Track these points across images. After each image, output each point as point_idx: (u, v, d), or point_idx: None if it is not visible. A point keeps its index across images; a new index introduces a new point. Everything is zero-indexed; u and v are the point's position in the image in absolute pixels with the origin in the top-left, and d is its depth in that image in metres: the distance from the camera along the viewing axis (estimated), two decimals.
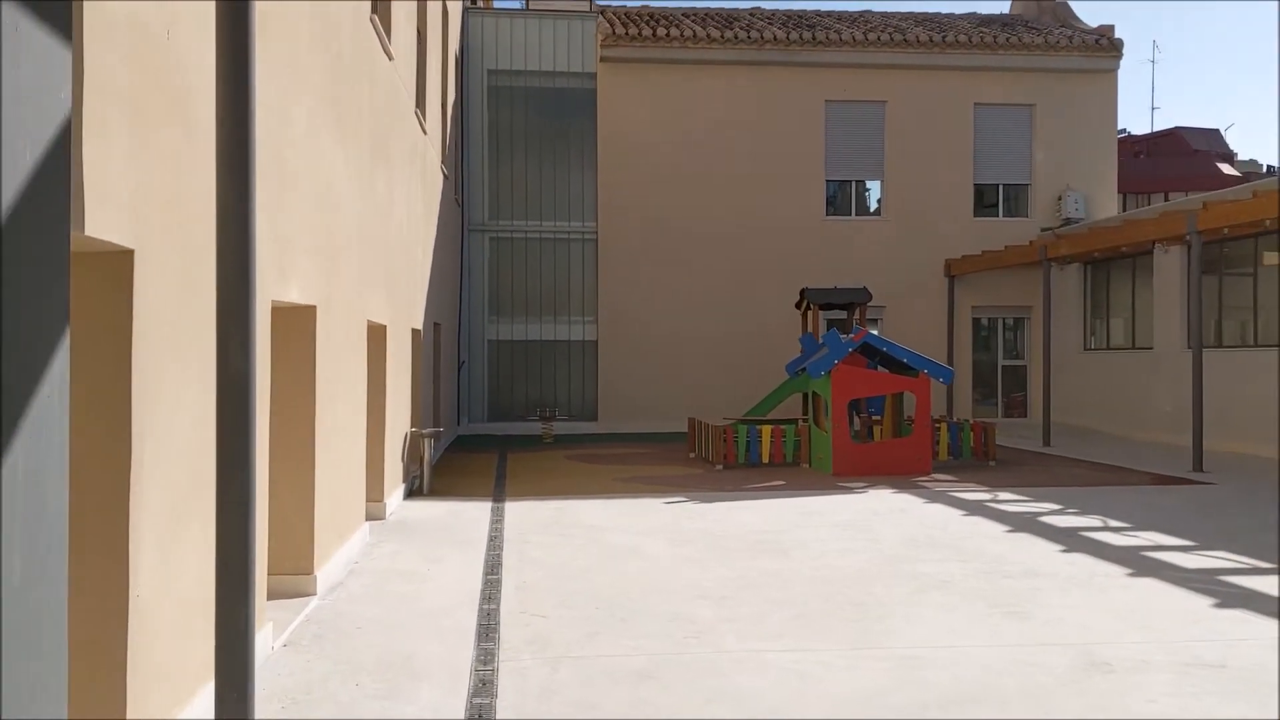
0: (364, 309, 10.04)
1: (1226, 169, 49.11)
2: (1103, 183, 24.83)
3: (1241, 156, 60.59)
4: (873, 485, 14.33)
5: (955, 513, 11.84)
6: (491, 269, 24.43)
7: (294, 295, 7.21)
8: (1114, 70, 24.71)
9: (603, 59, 23.97)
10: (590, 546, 9.96)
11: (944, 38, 24.26)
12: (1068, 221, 24.22)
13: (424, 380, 15.86)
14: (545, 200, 24.57)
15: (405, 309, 13.36)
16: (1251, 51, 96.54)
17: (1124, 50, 24.48)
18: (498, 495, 13.67)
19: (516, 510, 12.28)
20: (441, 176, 18.53)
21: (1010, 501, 12.74)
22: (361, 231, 9.91)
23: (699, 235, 24.01)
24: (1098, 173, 24.83)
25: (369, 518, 11.39)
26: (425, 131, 15.54)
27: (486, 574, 8.81)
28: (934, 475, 15.34)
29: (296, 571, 7.84)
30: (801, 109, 24.30)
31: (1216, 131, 55.63)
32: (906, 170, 24.49)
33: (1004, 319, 25.19)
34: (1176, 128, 51.53)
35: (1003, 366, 25.01)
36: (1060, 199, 24.63)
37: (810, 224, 24.30)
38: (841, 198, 24.96)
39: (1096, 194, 24.73)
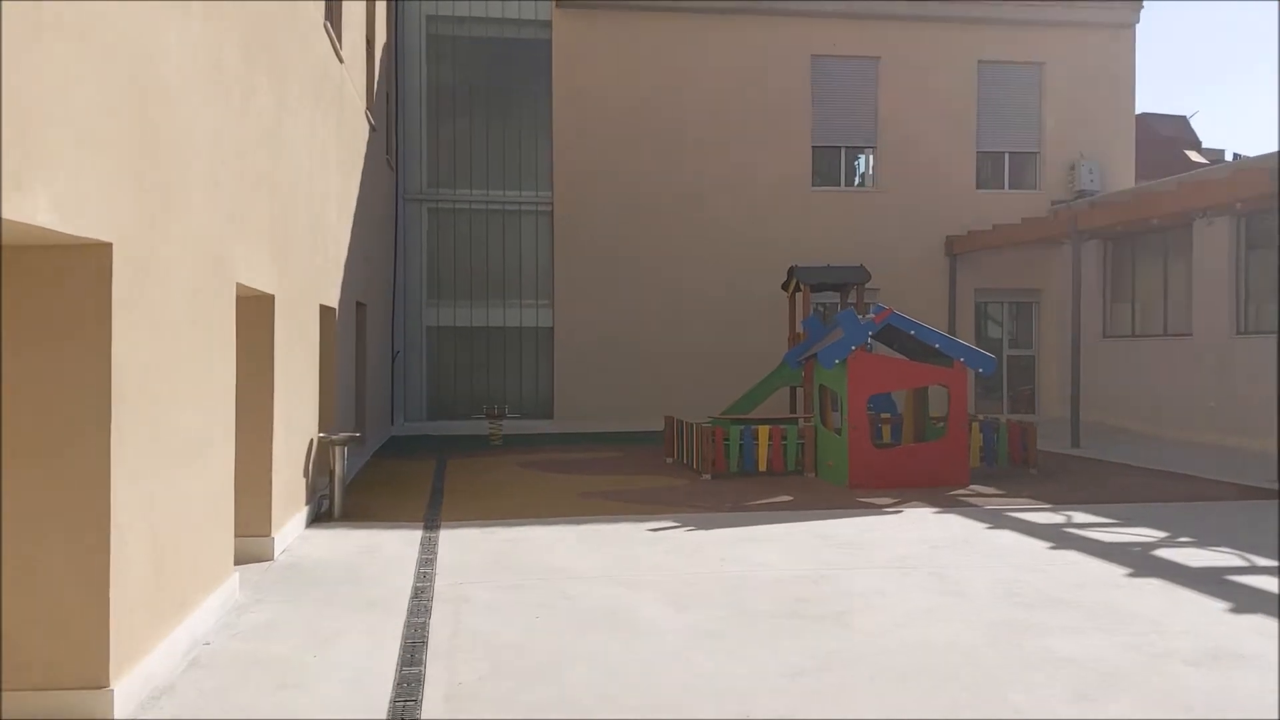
0: (228, 265, 6.94)
1: (1194, 156, 47.39)
2: (1120, 151, 22.22)
3: (1206, 144, 59.13)
4: (903, 501, 11.45)
5: (1037, 544, 8.98)
6: (431, 244, 21.26)
7: (44, 217, 4.13)
8: (1132, 26, 22.09)
9: (559, 5, 20.90)
10: (557, 607, 6.95)
11: None
12: (1082, 194, 21.59)
13: (341, 372, 12.72)
14: (492, 166, 21.43)
15: (309, 278, 10.23)
16: (1216, 38, 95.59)
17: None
18: (431, 519, 10.60)
19: (454, 542, 9.23)
20: (367, 126, 15.37)
21: (1094, 526, 9.91)
22: (224, 153, 6.80)
23: (669, 208, 21.03)
24: (1114, 140, 22.22)
25: (248, 559, 8.29)
26: (341, 59, 12.39)
27: (402, 664, 5.77)
28: (972, 487, 12.52)
29: (77, 684, 4.75)
30: (785, 64, 21.41)
31: (1184, 119, 53.89)
32: (902, 136, 21.70)
33: (1009, 303, 22.50)
34: (1143, 114, 49.78)
35: (1008, 357, 22.31)
36: (1073, 169, 21.98)
37: (795, 195, 21.43)
38: (830, 166, 22.09)
39: (1113, 163, 22.12)
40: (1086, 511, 10.72)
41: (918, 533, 9.58)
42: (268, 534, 8.46)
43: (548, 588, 7.49)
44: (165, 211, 5.60)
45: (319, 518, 10.56)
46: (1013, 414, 21.61)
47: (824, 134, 21.74)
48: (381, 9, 17.72)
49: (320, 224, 11.02)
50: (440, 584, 7.63)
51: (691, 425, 14.23)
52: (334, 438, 10.54)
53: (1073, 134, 22.03)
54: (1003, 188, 22.27)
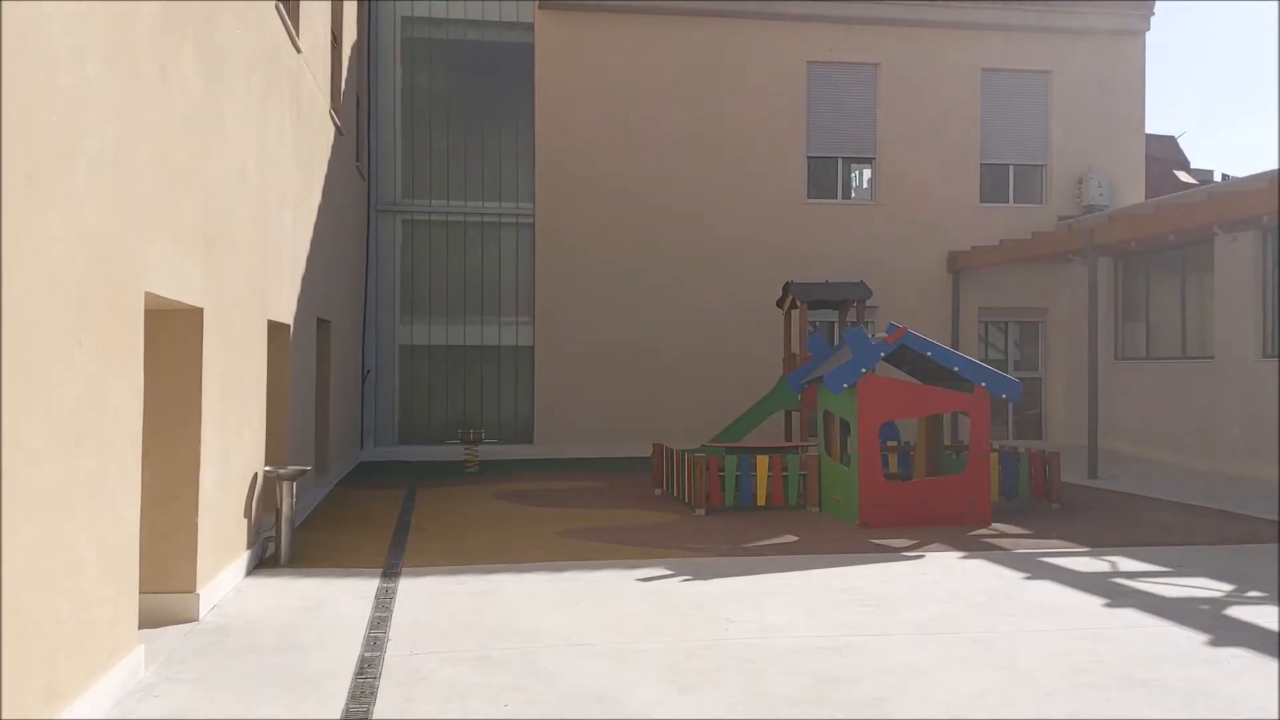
0: (132, 270, 5.70)
1: (1183, 176, 46.75)
2: (1130, 164, 21.20)
3: (1195, 165, 58.61)
4: (922, 544, 10.26)
5: (1087, 600, 7.78)
6: (405, 258, 20.02)
7: None
8: (1142, 33, 21.11)
9: (541, 6, 19.76)
10: (530, 691, 5.70)
11: None
12: (1090, 209, 20.55)
13: (297, 396, 11.46)
14: (471, 176, 20.24)
15: (253, 290, 8.99)
16: (1201, 58, 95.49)
17: (1155, 9, 20.88)
18: (392, 564, 9.34)
19: (415, 595, 7.98)
20: (332, 127, 14.16)
21: (1145, 576, 8.73)
22: (131, 133, 5.58)
23: (657, 220, 19.87)
24: (1124, 153, 21.20)
25: (167, 620, 7.02)
26: (299, 49, 11.18)
27: None
28: (994, 525, 11.34)
29: None
30: (779, 71, 20.32)
31: (1172, 139, 53.29)
32: (902, 146, 20.63)
33: (1014, 323, 21.40)
34: None
35: None
36: (1081, 183, 20.93)
37: (789, 208, 20.31)
38: (826, 178, 20.98)
39: (1123, 177, 21.08)
40: (1129, 556, 9.54)
41: (947, 585, 8.37)
42: (192, 589, 7.19)
43: (520, 660, 6.24)
44: (32, 194, 4.37)
45: (264, 563, 9.28)
46: (1018, 440, 20.46)
47: (820, 144, 20.65)
48: (351, 6, 16.56)
49: (271, 229, 9.79)
50: (392, 655, 6.38)
51: (683, 454, 13.01)
52: (280, 472, 9.26)
53: (1081, 146, 21.01)
54: (1007, 202, 21.21)
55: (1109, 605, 7.60)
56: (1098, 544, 10.22)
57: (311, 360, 12.82)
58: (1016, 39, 20.84)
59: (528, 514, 12.43)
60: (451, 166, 20.17)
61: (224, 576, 7.93)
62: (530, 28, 20.02)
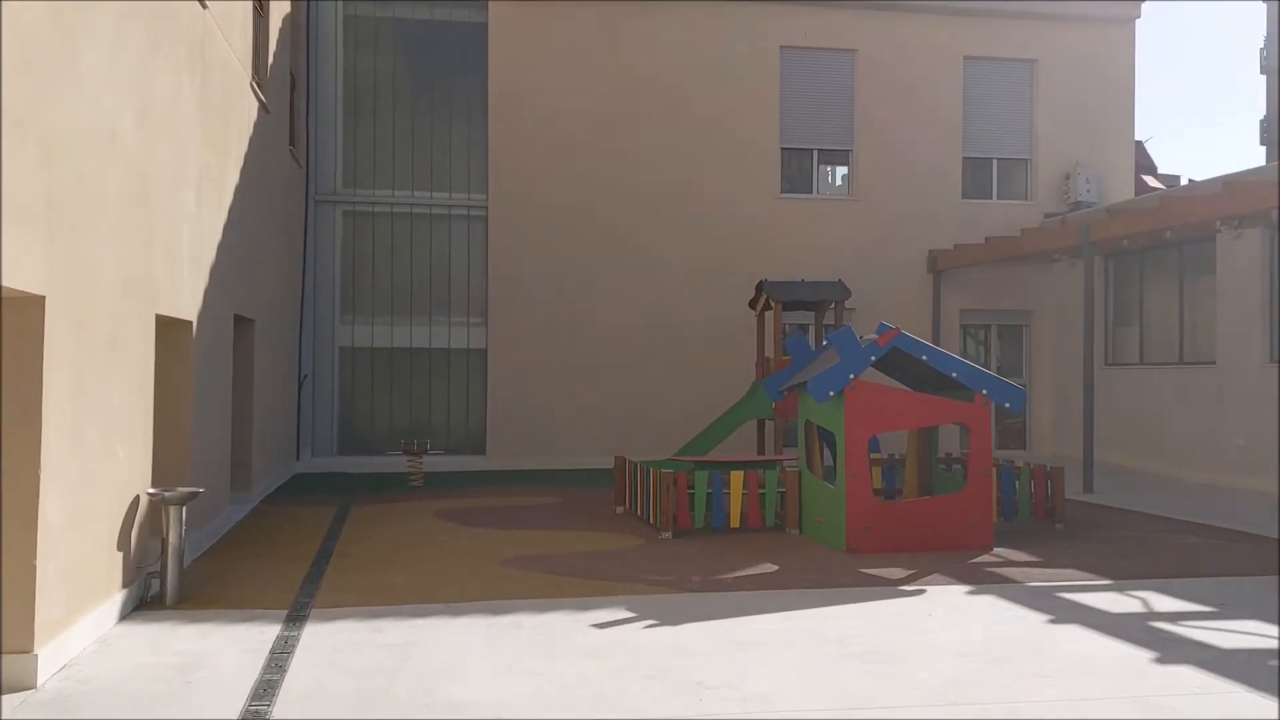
0: None
1: (1151, 181, 46.20)
2: (1119, 159, 20.09)
3: (1162, 170, 58.24)
4: (920, 574, 8.93)
5: (1132, 653, 6.47)
6: (346, 252, 18.50)
7: None
8: (1132, 21, 20.01)
9: None
10: None
11: None
12: (1078, 205, 19.43)
13: (202, 403, 9.95)
14: (418, 165, 18.76)
15: (130, 279, 7.50)
16: (1168, 64, 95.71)
17: None
18: (301, 603, 7.87)
19: (319, 650, 6.53)
20: (255, 102, 12.66)
21: (1186, 618, 7.44)
22: None
23: (619, 214, 18.50)
24: (1112, 147, 20.08)
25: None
26: (205, 4, 9.69)
27: None
28: (997, 550, 10.04)
29: None
30: (750, 57, 19.02)
31: (1140, 144, 52.80)
32: (880, 138, 19.40)
33: (997, 326, 20.21)
34: None
35: None
36: (1068, 178, 19.80)
37: (761, 203, 19.00)
38: (800, 171, 19.70)
39: (1111, 173, 19.97)
40: (1159, 591, 8.26)
41: (959, 631, 7.03)
42: (28, 649, 5.71)
43: None
44: None
45: (147, 604, 7.79)
46: (999, 451, 19.23)
47: (794, 135, 19.36)
48: None
49: (161, 208, 8.30)
50: None
51: (647, 469, 11.62)
52: (165, 495, 7.77)
53: (1067, 139, 19.87)
54: (990, 198, 20.03)
55: (1159, 661, 6.29)
56: (1118, 574, 8.94)
57: (226, 363, 11.31)
58: (1000, 25, 19.69)
59: (471, 538, 10.99)
60: (398, 154, 18.68)
61: (81, 627, 6.45)
62: (484, 7, 18.58)
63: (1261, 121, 47.14)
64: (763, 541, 10.55)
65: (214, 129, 10.32)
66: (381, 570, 9.18)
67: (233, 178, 11.36)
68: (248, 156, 12.16)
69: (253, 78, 12.48)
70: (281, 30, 14.76)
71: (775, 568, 9.27)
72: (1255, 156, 50.82)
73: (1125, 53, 19.99)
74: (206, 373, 10.13)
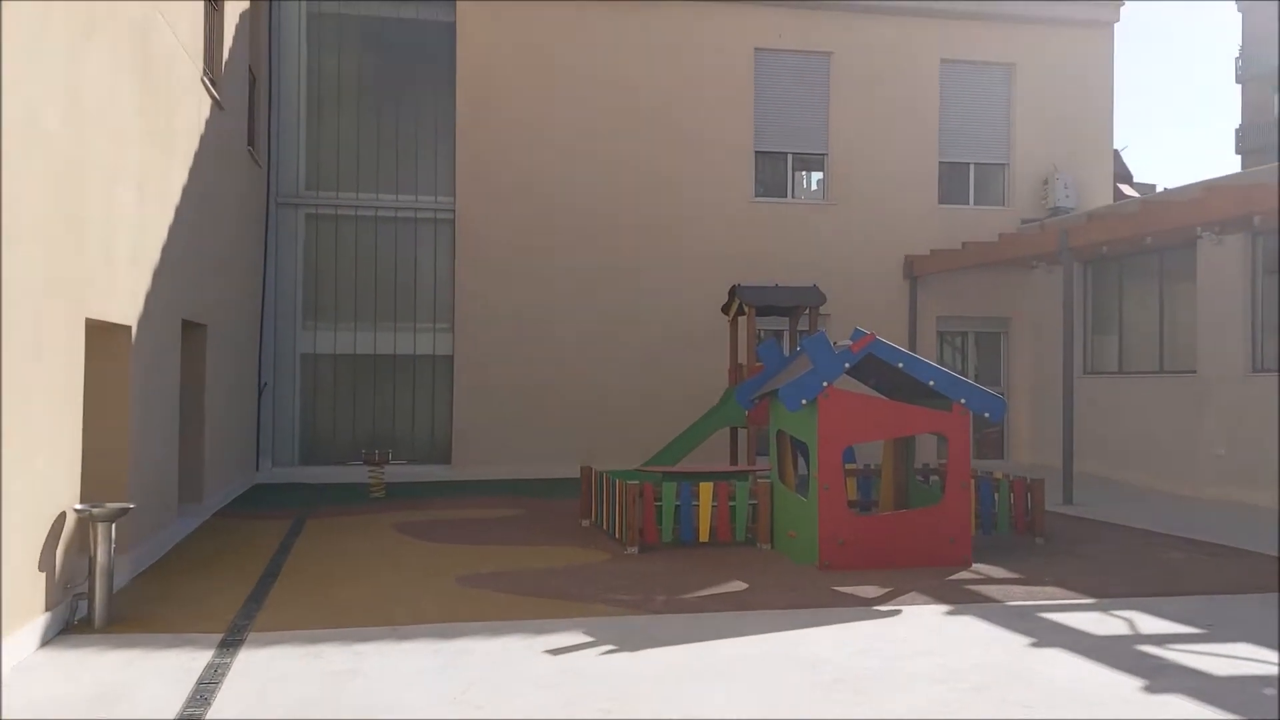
0: None
1: (1127, 190, 46.25)
2: (1097, 164, 19.84)
3: (1137, 179, 58.47)
4: (896, 593, 8.53)
5: (1120, 680, 6.08)
6: (308, 256, 17.98)
7: None
8: (1111, 24, 19.78)
9: None
10: None
11: None
12: (1056, 211, 19.16)
13: (142, 412, 9.44)
14: (384, 166, 18.27)
15: (53, 276, 7.00)
16: (1143, 72, 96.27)
17: None
18: (239, 625, 7.39)
19: (251, 679, 6.06)
20: (207, 97, 12.16)
21: (1175, 641, 7.06)
22: None
23: (590, 218, 18.07)
24: (1091, 152, 19.83)
25: None
26: None
27: None
28: (975, 566, 9.66)
29: None
30: (724, 58, 18.65)
31: (1115, 152, 52.93)
32: (856, 142, 19.06)
33: (974, 333, 19.90)
34: None
35: None
36: (1046, 184, 19.52)
37: (735, 207, 18.62)
38: (775, 175, 19.34)
39: (1090, 178, 19.71)
40: (1145, 611, 7.89)
41: (938, 657, 6.62)
42: None
43: None
44: None
45: (73, 628, 7.28)
46: (977, 459, 18.88)
47: (768, 138, 19.00)
48: None
49: (93, 205, 7.81)
50: None
51: (614, 480, 11.18)
52: (93, 511, 7.28)
53: (1046, 144, 19.60)
54: (967, 203, 19.71)
55: (1149, 690, 5.90)
56: (1102, 593, 8.57)
57: (172, 370, 10.80)
58: (978, 28, 19.39)
59: (428, 553, 10.52)
60: (363, 156, 18.18)
61: None
62: (452, 5, 18.12)
63: (1237, 130, 47.26)
64: (733, 557, 10.12)
65: (158, 124, 9.82)
66: (330, 588, 8.71)
67: (180, 176, 10.86)
68: (198, 155, 11.66)
69: (204, 73, 11.98)
70: (239, 26, 14.25)
71: (745, 586, 8.85)
72: (1231, 165, 50.93)
73: (1104, 56, 19.75)
74: (148, 380, 9.62)
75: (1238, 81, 47.62)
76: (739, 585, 8.86)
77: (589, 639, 7.01)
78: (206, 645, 6.86)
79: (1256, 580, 9.08)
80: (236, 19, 14.12)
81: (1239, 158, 46.49)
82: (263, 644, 6.88)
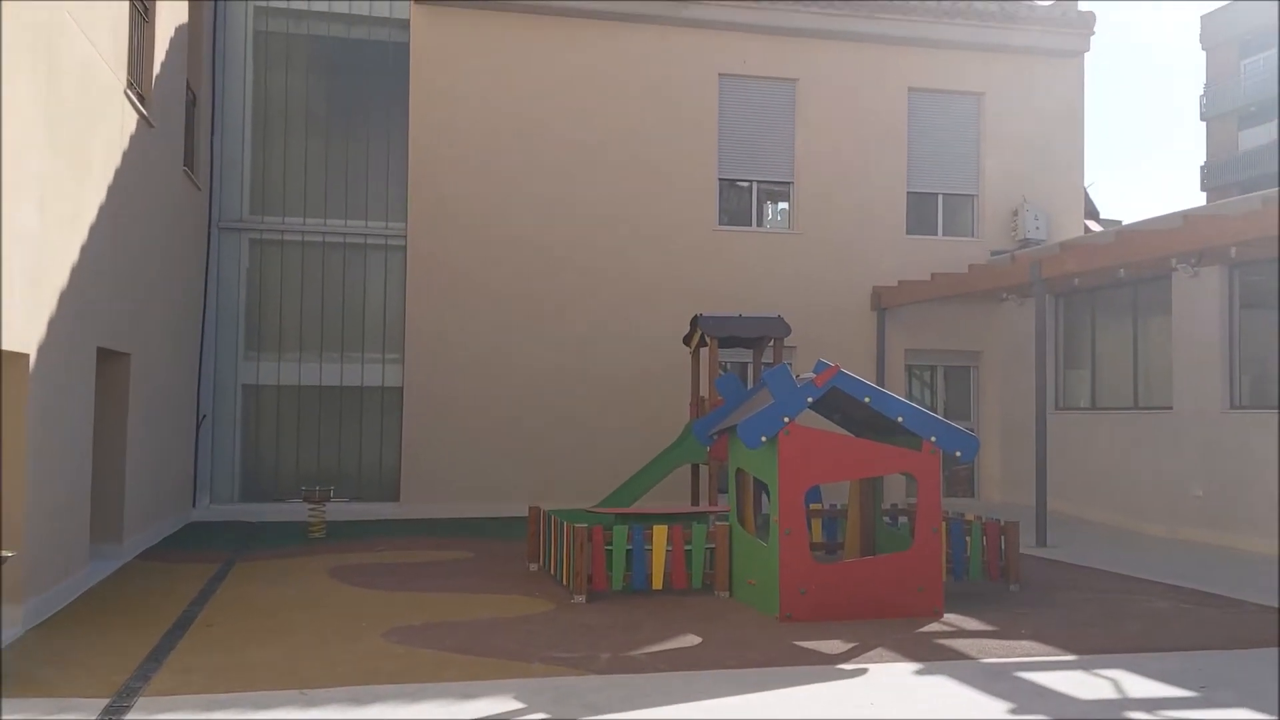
0: None
1: (1093, 226, 46.29)
2: (1068, 196, 19.43)
3: (1103, 215, 58.71)
4: (861, 648, 7.84)
5: None
6: (251, 284, 17.21)
7: None
8: (1082, 54, 19.45)
9: (419, 1, 17.25)
10: None
11: None
12: (1026, 243, 18.70)
13: (42, 447, 8.64)
14: (333, 191, 17.57)
15: None
16: (1108, 110, 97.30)
17: (1095, 28, 19.23)
18: (130, 689, 6.59)
19: None
20: (134, 114, 11.43)
21: (1167, 705, 6.42)
22: None
23: (547, 246, 17.41)
24: (1062, 183, 19.43)
25: None
26: None
27: None
28: (947, 617, 8.99)
29: None
30: (688, 83, 18.12)
31: (1083, 189, 53.15)
32: (822, 170, 18.55)
33: (943, 367, 19.36)
34: None
35: None
36: (1016, 215, 19.08)
37: (698, 236, 18.02)
38: (739, 203, 18.78)
39: (1060, 210, 19.29)
40: (1130, 669, 7.24)
41: None
42: None
43: None
44: None
45: None
46: (946, 497, 18.27)
47: (733, 165, 18.45)
48: None
49: None
50: None
51: (561, 521, 10.45)
52: None
53: (1015, 175, 19.17)
54: (935, 234, 19.22)
55: None
56: (1083, 648, 7.92)
57: (85, 402, 9.99)
58: (947, 56, 18.98)
59: (360, 601, 9.73)
60: (310, 179, 17.47)
61: None
62: (405, 25, 17.52)
63: (1202, 167, 47.41)
64: (687, 607, 9.40)
65: (66, 137, 9.08)
66: (243, 644, 7.91)
67: (96, 195, 10.10)
68: (120, 173, 10.91)
69: (130, 86, 11.25)
70: (174, 40, 13.56)
71: (698, 640, 8.13)
72: (1197, 202, 51.05)
73: (1074, 86, 19.40)
74: (51, 412, 8.82)
75: (1202, 119, 47.84)
76: (692, 640, 8.14)
77: (519, 706, 6.27)
78: (89, 711, 6.08)
79: (1248, 633, 8.46)
80: (172, 33, 13.43)
81: (1204, 195, 46.61)
82: (153, 710, 6.10)
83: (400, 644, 7.93)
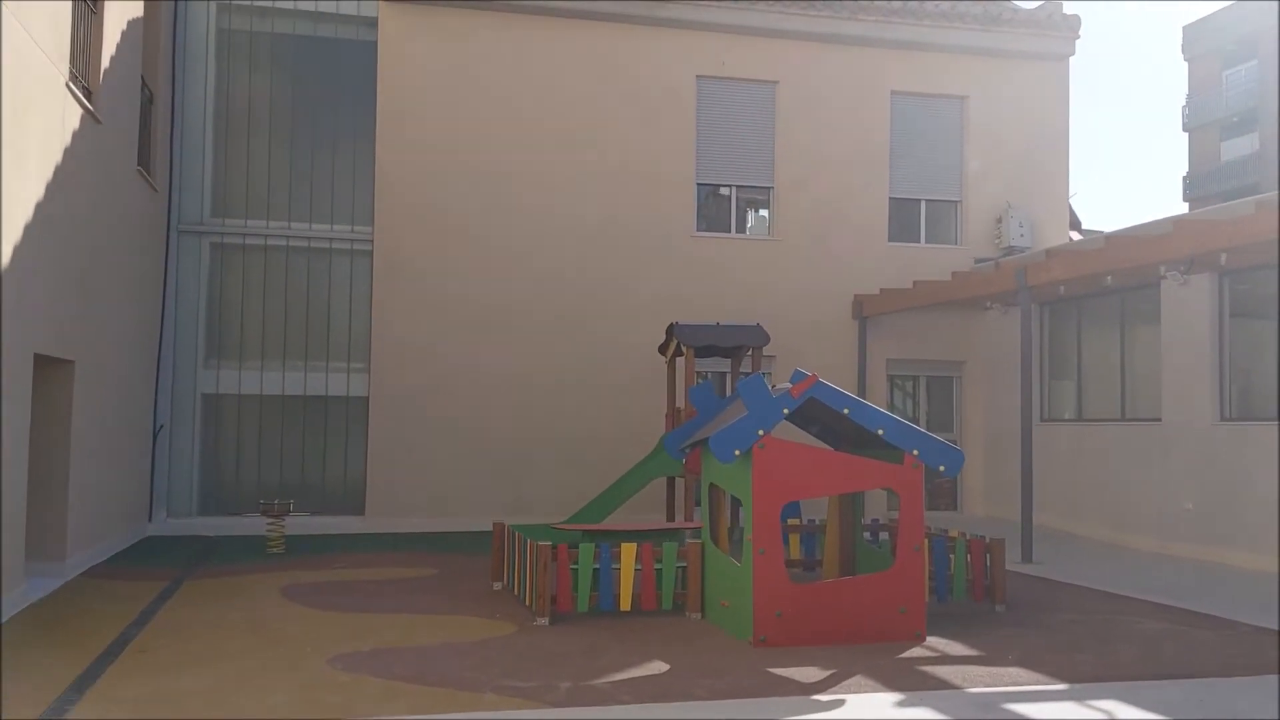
0: None
1: (1076, 236, 46.09)
2: (1052, 202, 19.02)
3: (1086, 225, 58.59)
4: (839, 676, 7.34)
5: None
6: (212, 290, 16.61)
7: None
8: (1067, 58, 19.08)
9: None
10: None
11: None
12: (1010, 250, 18.28)
13: None
14: (298, 193, 17.00)
15: None
16: (1088, 119, 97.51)
17: (1080, 30, 18.87)
18: None
19: None
20: (77, 108, 10.87)
21: None
22: None
23: (519, 251, 16.89)
24: (1046, 190, 19.03)
25: None
26: None
27: None
28: (929, 641, 8.50)
29: None
30: (665, 85, 17.66)
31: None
32: (802, 175, 18.10)
33: (926, 377, 18.92)
34: None
35: None
36: (1000, 222, 18.68)
37: (676, 242, 17.53)
38: (717, 209, 18.31)
39: (1045, 216, 18.88)
40: (1124, 699, 6.76)
41: None
42: None
43: None
44: None
45: None
46: (928, 511, 17.79)
47: (711, 170, 17.99)
48: None
49: None
50: None
51: (524, 539, 9.91)
52: None
53: (999, 181, 18.77)
54: (918, 240, 18.79)
55: None
56: (1073, 676, 7.43)
57: (20, 412, 9.41)
58: (929, 60, 18.58)
59: (309, 623, 9.17)
60: (274, 181, 16.89)
61: None
62: (373, 23, 16.99)
63: (1184, 178, 47.29)
64: (657, 630, 8.88)
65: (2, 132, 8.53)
66: (176, 671, 7.35)
67: (32, 192, 9.54)
68: (61, 170, 10.34)
69: (72, 79, 10.69)
70: (127, 35, 12.99)
71: (666, 668, 7.60)
72: (1179, 212, 50.88)
73: (1059, 90, 19.02)
74: None
75: (1184, 130, 47.73)
76: (660, 667, 7.62)
77: None
78: None
79: (1246, 658, 8.00)
80: (124, 27, 12.87)
81: (1186, 205, 46.46)
82: None
83: (345, 671, 7.38)
